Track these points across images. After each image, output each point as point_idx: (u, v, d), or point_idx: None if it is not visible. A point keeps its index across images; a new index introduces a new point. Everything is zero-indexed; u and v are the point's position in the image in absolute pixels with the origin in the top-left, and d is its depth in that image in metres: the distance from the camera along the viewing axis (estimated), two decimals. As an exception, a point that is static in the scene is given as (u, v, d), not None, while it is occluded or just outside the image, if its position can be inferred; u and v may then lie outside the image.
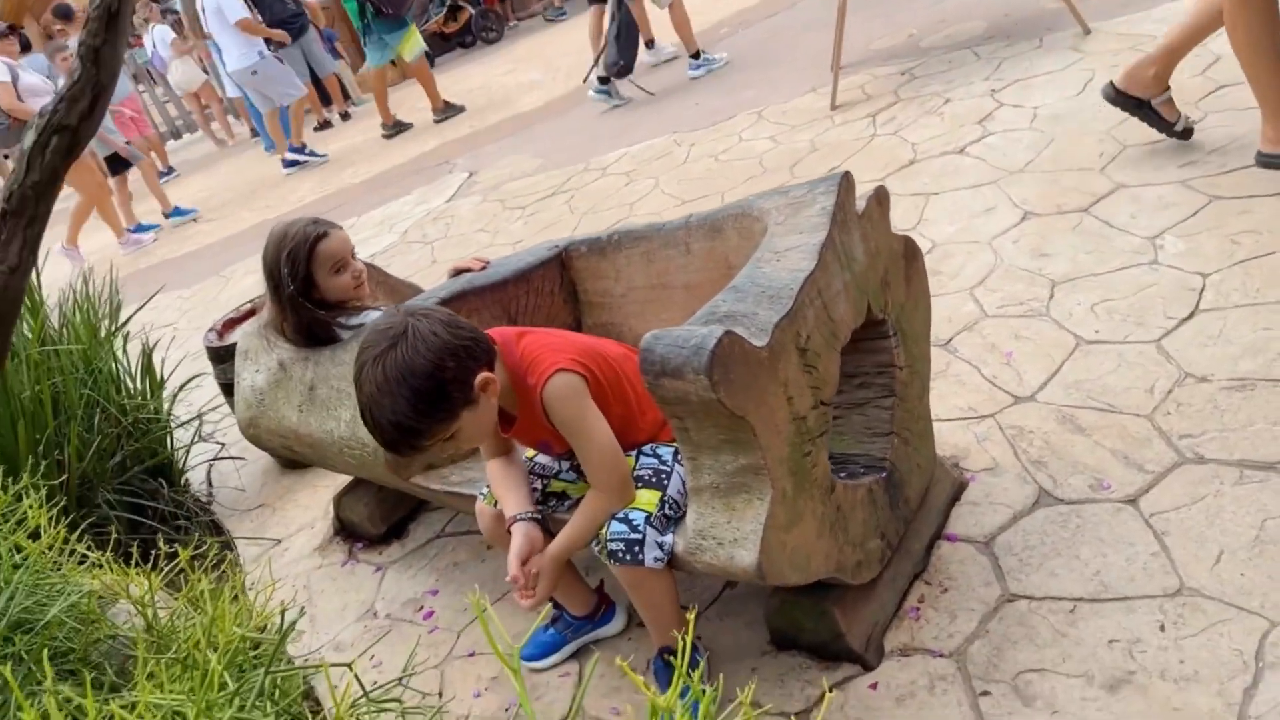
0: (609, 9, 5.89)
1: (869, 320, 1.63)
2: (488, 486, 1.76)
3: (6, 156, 8.48)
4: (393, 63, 10.24)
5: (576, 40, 9.44)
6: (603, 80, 6.07)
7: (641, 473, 1.59)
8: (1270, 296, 2.13)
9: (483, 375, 1.45)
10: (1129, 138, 3.09)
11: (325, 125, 10.34)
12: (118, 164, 7.54)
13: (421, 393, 1.39)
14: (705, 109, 5.34)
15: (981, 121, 3.67)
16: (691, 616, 0.97)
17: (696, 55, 6.17)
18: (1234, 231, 2.42)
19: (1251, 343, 2.03)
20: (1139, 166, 2.90)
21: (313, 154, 8.32)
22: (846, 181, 1.61)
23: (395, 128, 8.15)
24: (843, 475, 1.65)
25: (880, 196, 1.69)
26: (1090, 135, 3.21)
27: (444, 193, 5.73)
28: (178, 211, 7.90)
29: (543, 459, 1.77)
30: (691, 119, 5.26)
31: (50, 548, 1.96)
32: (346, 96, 11.14)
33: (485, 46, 12.20)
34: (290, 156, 8.24)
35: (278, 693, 1.18)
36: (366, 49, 8.00)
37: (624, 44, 5.87)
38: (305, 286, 2.05)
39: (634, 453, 1.64)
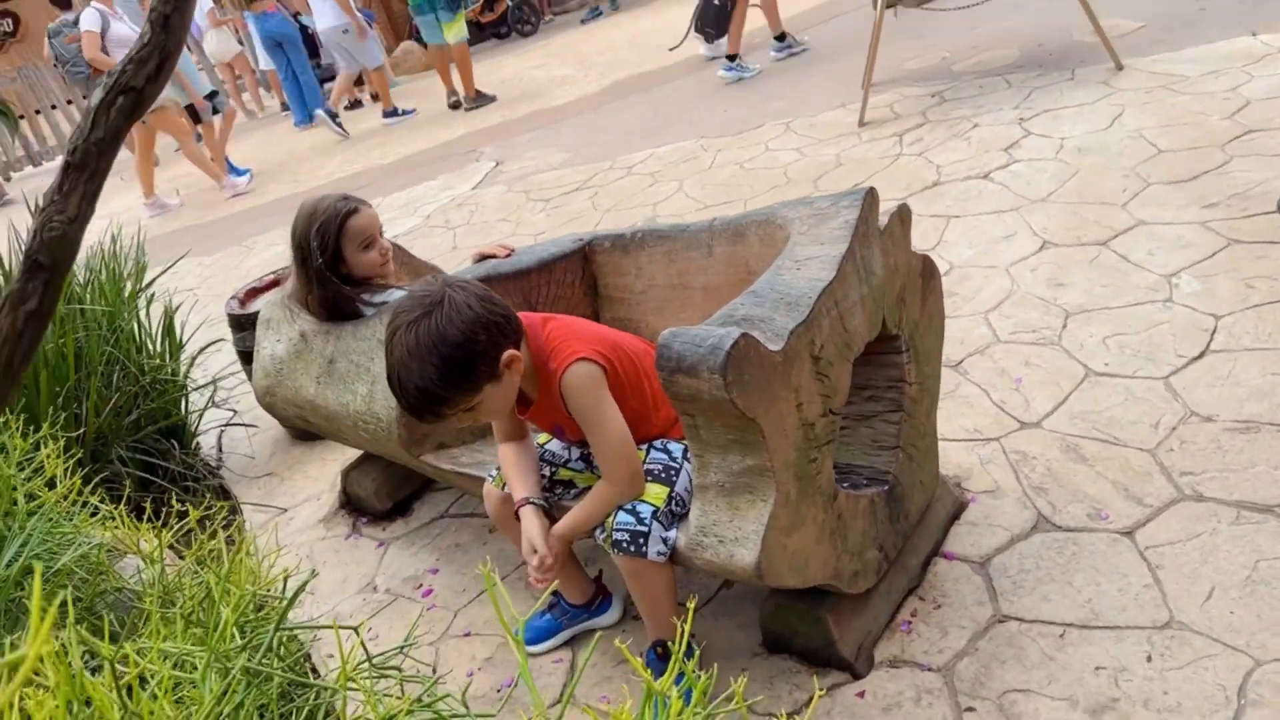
0: None
1: (883, 334, 1.66)
2: (497, 468, 1.80)
3: (85, 97, 8.51)
4: (424, 45, 10.31)
5: (611, 39, 9.49)
6: (730, 57, 6.26)
7: (652, 467, 1.62)
8: (1281, 342, 2.15)
9: (510, 352, 1.49)
10: (1153, 175, 3.11)
11: (356, 104, 10.40)
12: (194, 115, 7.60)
13: (451, 361, 1.42)
14: (733, 117, 5.38)
15: (1008, 149, 3.69)
16: (691, 607, 1.00)
17: (781, 37, 6.50)
18: (1250, 276, 2.44)
19: (1259, 387, 2.05)
20: (1161, 204, 2.92)
21: (405, 112, 8.72)
22: (871, 197, 1.64)
23: (478, 99, 8.20)
24: (846, 485, 1.68)
25: (903, 214, 1.71)
26: (1115, 170, 3.23)
27: (470, 180, 5.78)
28: (234, 170, 7.90)
29: (554, 446, 1.81)
30: (719, 125, 5.29)
31: (64, 498, 2.00)
32: (360, 84, 11.19)
33: (520, 39, 12.26)
34: (388, 122, 8.62)
35: (283, 649, 1.21)
36: (421, 28, 8.09)
37: (714, 11, 6.10)
38: (334, 261, 2.09)
39: (645, 446, 1.68)
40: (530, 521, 1.65)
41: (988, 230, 3.10)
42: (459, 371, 1.44)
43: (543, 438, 1.83)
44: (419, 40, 10.78)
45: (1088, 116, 3.77)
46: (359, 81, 10.56)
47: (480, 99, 8.12)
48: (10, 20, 16.24)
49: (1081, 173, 3.29)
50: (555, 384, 1.57)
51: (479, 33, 12.45)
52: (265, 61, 10.46)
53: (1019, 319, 2.56)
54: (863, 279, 1.59)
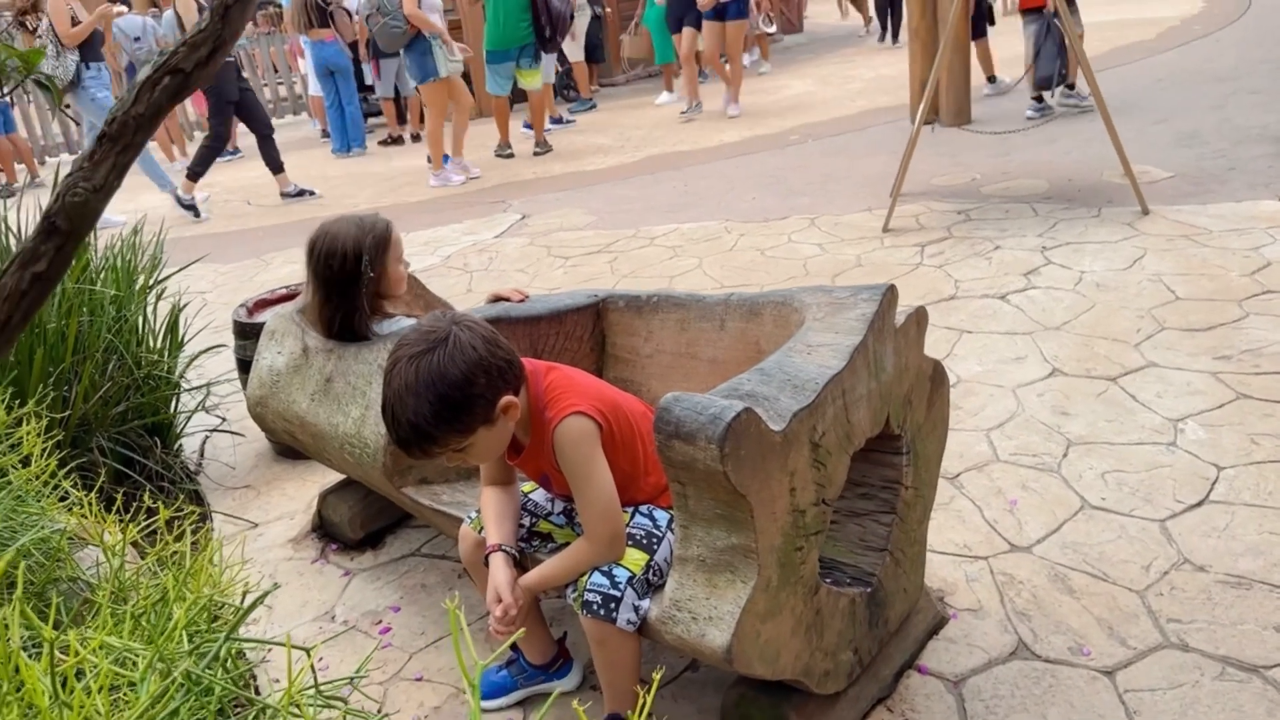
0: (1038, 28, 6.34)
1: (885, 432, 1.64)
2: (477, 511, 1.76)
3: (382, 57, 8.39)
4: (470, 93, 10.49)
5: (652, 116, 9.70)
6: (1037, 99, 6.67)
7: (634, 531, 1.59)
8: (1282, 502, 2.12)
9: (507, 398, 1.47)
10: (1168, 320, 3.12)
11: (395, 141, 10.55)
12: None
13: (447, 401, 1.41)
14: (760, 205, 5.45)
15: (1027, 274, 3.73)
16: (656, 679, 0.96)
17: (991, 79, 7.85)
18: (1256, 432, 2.42)
19: (1255, 543, 2.02)
20: (1174, 349, 2.93)
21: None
22: (891, 294, 1.64)
23: (543, 145, 8.29)
24: (829, 581, 1.64)
25: (920, 316, 1.71)
26: (1131, 310, 3.25)
27: (494, 228, 5.84)
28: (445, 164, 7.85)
29: (537, 496, 1.78)
30: (746, 211, 5.36)
31: (36, 477, 1.97)
32: (403, 122, 11.40)
33: (562, 103, 12.53)
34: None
35: (230, 664, 1.16)
36: (492, 76, 8.00)
37: (1050, 58, 6.39)
38: (378, 272, 2.10)
39: (630, 510, 1.64)
40: (499, 569, 1.61)
41: (999, 350, 3.10)
42: (454, 411, 1.42)
43: (528, 486, 1.80)
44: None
45: (1109, 254, 3.82)
46: (401, 119, 10.73)
47: (545, 146, 8.31)
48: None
49: (1098, 307, 3.31)
50: (549, 434, 1.55)
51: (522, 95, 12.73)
52: (314, 87, 10.67)
53: (1020, 441, 2.54)
54: (873, 373, 1.58)
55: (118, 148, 0.81)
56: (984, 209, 4.73)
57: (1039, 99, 6.65)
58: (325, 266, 2.06)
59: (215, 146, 7.48)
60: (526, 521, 1.73)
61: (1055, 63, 6.31)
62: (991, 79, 7.93)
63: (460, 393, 1.42)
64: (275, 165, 7.64)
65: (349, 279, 2.06)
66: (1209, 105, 6.50)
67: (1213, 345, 2.92)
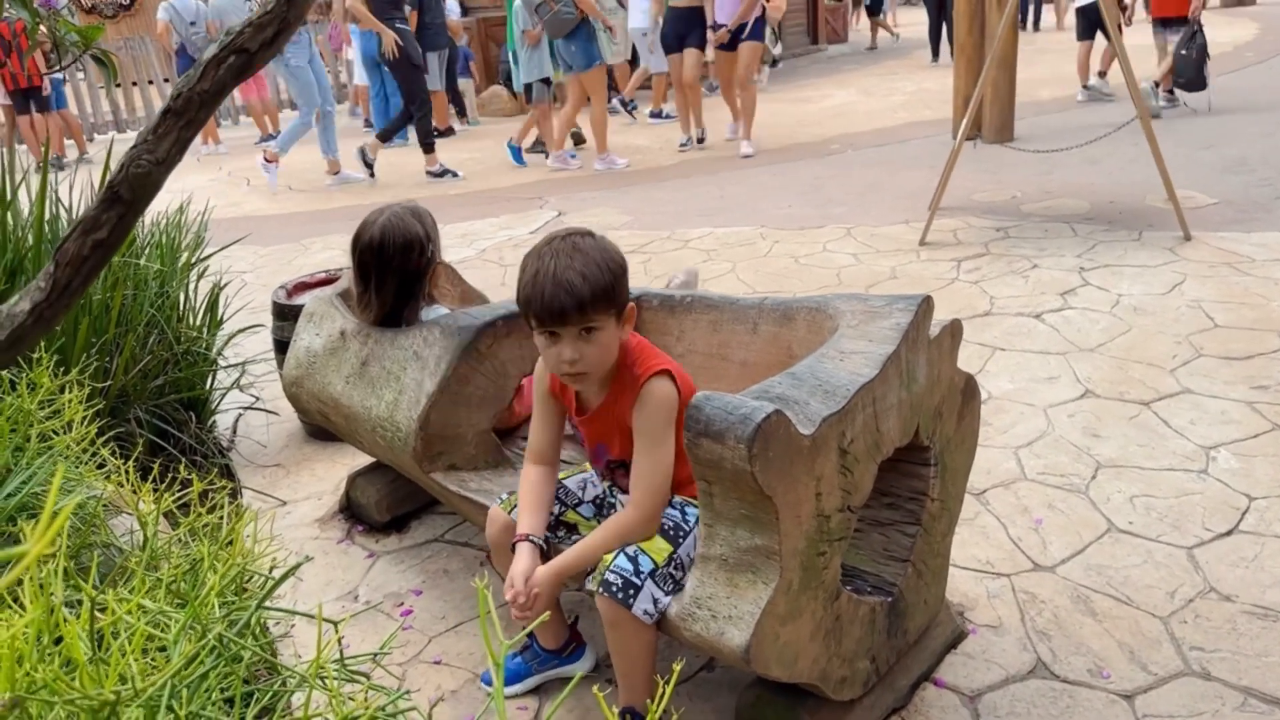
0: (1183, 35, 7.07)
1: (914, 443, 1.64)
2: (508, 493, 1.79)
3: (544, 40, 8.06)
4: (514, 94, 10.54)
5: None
6: (1169, 93, 7.42)
7: (664, 521, 1.60)
8: (1314, 536, 2.09)
9: (631, 305, 1.59)
10: (1206, 347, 3.09)
11: (445, 133, 10.58)
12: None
13: (607, 270, 1.52)
14: (796, 213, 5.45)
15: (1064, 294, 3.70)
16: (674, 672, 0.97)
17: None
18: (1291, 464, 2.39)
19: (1285, 576, 1.99)
20: (1210, 377, 2.89)
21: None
22: (927, 304, 1.64)
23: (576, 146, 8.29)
24: (850, 589, 1.64)
25: (955, 329, 1.71)
26: (1168, 335, 3.22)
27: (529, 224, 5.88)
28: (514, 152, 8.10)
29: (571, 483, 1.79)
30: (781, 218, 5.36)
31: (76, 444, 2.02)
32: (463, 114, 11.50)
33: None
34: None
35: (258, 630, 1.19)
36: (520, 69, 8.00)
37: (1195, 63, 7.06)
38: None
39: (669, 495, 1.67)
40: (523, 558, 1.63)
41: (1032, 368, 3.08)
42: (612, 282, 1.52)
43: (563, 472, 1.82)
44: (508, 86, 11.05)
45: (1148, 278, 3.77)
46: (460, 110, 10.79)
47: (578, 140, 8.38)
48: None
49: (1134, 331, 3.28)
50: (634, 389, 1.58)
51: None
52: (360, 77, 10.78)
53: (1049, 460, 2.52)
54: (904, 383, 1.58)
55: (181, 122, 0.84)
56: (1023, 227, 4.69)
57: (1171, 93, 7.45)
58: (403, 257, 2.10)
59: (426, 112, 7.77)
60: (555, 509, 1.75)
61: (1197, 69, 7.02)
62: (1086, 86, 8.34)
63: (614, 271, 1.54)
64: (428, 145, 7.83)
65: (423, 268, 2.14)
66: (1258, 132, 6.41)
67: (1250, 374, 2.88)
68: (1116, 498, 2.33)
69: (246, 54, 0.85)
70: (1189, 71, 7.02)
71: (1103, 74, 8.31)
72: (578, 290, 1.49)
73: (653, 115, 9.88)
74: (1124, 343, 3.20)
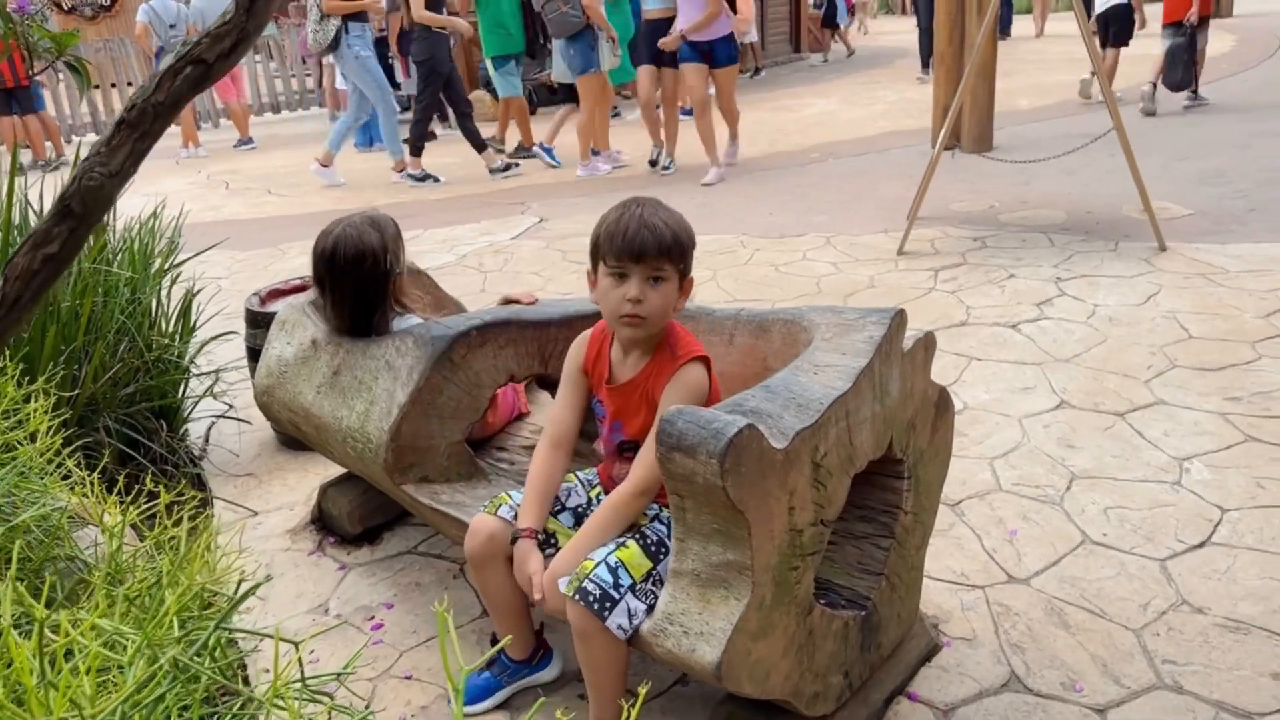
0: (1176, 38, 7.60)
1: (888, 456, 1.64)
2: (490, 500, 1.77)
3: (549, 41, 8.10)
4: (495, 99, 10.51)
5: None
6: (1194, 93, 7.95)
7: (648, 534, 1.60)
8: (1285, 548, 2.10)
9: (691, 278, 1.68)
10: (1180, 358, 3.11)
11: (430, 136, 10.51)
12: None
13: (685, 232, 1.64)
14: (777, 221, 5.45)
15: (1040, 304, 3.71)
16: (642, 694, 0.95)
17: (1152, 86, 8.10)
18: (1262, 475, 2.41)
19: (1256, 588, 2.00)
20: (1184, 388, 2.91)
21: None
22: (899, 318, 1.64)
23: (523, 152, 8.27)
24: (823, 602, 1.63)
25: (928, 342, 1.71)
26: (1142, 346, 3.24)
27: (510, 230, 5.86)
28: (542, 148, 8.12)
29: (564, 486, 1.80)
30: (762, 226, 5.36)
31: (41, 454, 1.98)
32: (444, 119, 11.45)
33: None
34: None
35: (219, 652, 1.17)
36: (500, 79, 8.04)
37: (1182, 65, 7.59)
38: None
39: (657, 508, 1.69)
40: (532, 559, 1.65)
41: (1007, 379, 3.09)
42: (686, 240, 1.63)
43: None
44: (490, 91, 11.03)
45: (1124, 289, 3.80)
46: (442, 116, 10.73)
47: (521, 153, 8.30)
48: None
49: (1109, 341, 3.30)
50: (671, 366, 1.63)
51: (550, 95, 12.78)
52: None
53: (1024, 471, 2.53)
54: (877, 396, 1.58)
55: (136, 134, 0.82)
56: (1000, 237, 4.72)
57: (1195, 92, 7.98)
58: (355, 268, 2.06)
59: (427, 117, 7.77)
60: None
61: (1182, 70, 7.60)
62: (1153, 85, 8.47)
63: (690, 235, 1.65)
64: (478, 144, 7.82)
65: (379, 278, 2.08)
66: (1233, 144, 6.48)
67: (1223, 386, 2.90)
68: (1091, 509, 2.34)
69: (204, 65, 0.83)
70: (1177, 70, 7.57)
71: (1154, 84, 8.14)
72: (660, 232, 1.58)
73: None
74: (1099, 353, 3.21)
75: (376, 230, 2.07)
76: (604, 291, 1.63)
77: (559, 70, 7.51)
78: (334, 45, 7.31)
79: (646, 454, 1.59)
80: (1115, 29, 8.05)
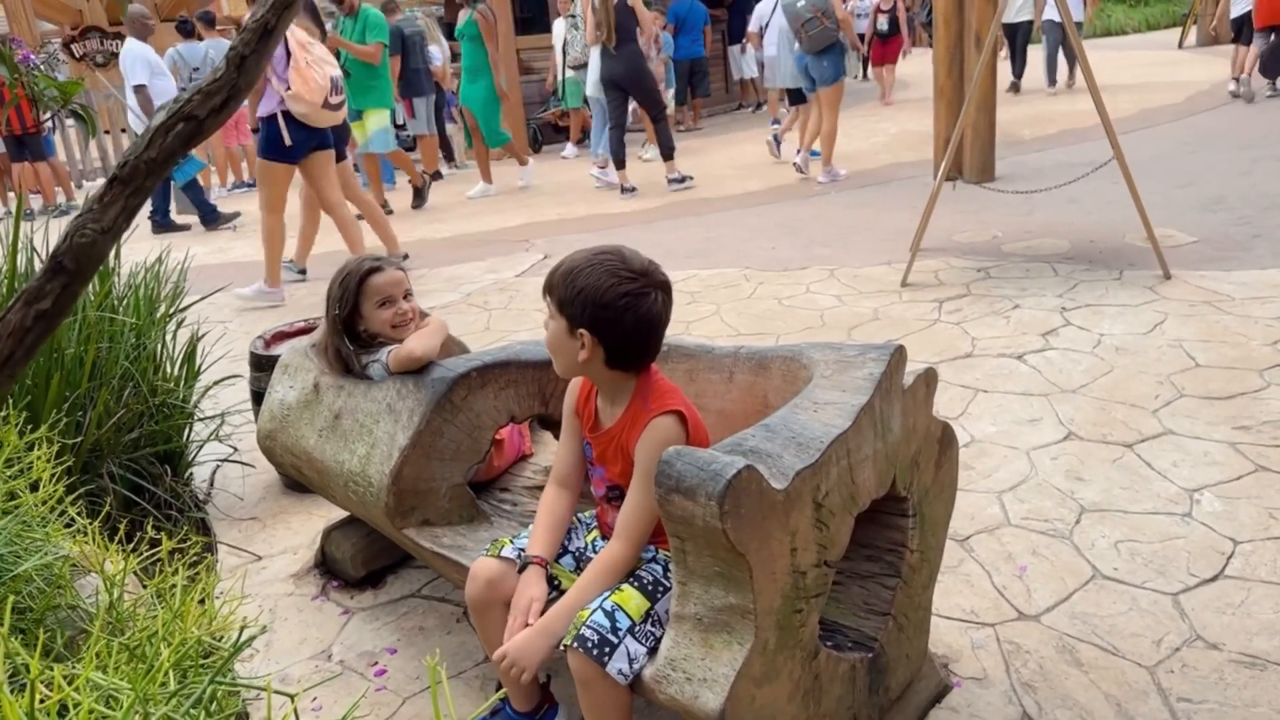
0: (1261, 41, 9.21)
1: (891, 494, 1.62)
2: (492, 543, 1.77)
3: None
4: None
5: (680, 165, 9.78)
6: (1273, 84, 9.59)
7: (643, 575, 1.58)
8: (1300, 580, 2.07)
9: (589, 337, 1.64)
10: (1188, 387, 3.08)
11: (435, 176, 10.57)
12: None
13: (574, 285, 1.63)
14: (780, 255, 5.47)
15: (1046, 334, 3.70)
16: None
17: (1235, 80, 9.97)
18: (1274, 506, 2.38)
19: (1271, 622, 1.96)
20: (1192, 417, 2.88)
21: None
22: (899, 354, 1.63)
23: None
24: (829, 645, 1.61)
25: (929, 378, 1.70)
26: (1150, 375, 3.22)
27: (515, 267, 5.88)
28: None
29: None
30: (765, 260, 5.37)
31: (44, 503, 1.97)
32: (451, 159, 11.57)
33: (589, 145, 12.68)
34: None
35: (215, 706, 1.15)
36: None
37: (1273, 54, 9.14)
38: (351, 313, 2.17)
39: (652, 550, 1.66)
40: (533, 584, 1.64)
41: (1014, 410, 3.07)
42: (570, 293, 1.62)
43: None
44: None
45: (1129, 318, 3.79)
46: (449, 155, 10.95)
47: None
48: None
49: (1116, 371, 3.28)
50: (642, 421, 1.60)
51: (555, 133, 12.92)
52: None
53: (1033, 505, 2.50)
54: (879, 434, 1.56)
55: (128, 191, 0.83)
56: (1004, 267, 4.71)
57: (1275, 84, 9.64)
58: (326, 302, 2.20)
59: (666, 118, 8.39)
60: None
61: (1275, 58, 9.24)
62: (1235, 79, 10.00)
63: (581, 290, 1.61)
64: (667, 151, 8.22)
65: (332, 321, 2.19)
66: (1235, 171, 6.49)
67: (1232, 415, 2.87)
68: (1101, 543, 2.31)
69: (195, 121, 0.84)
70: (1270, 59, 9.34)
71: (1246, 74, 9.90)
72: (553, 275, 1.64)
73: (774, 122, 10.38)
74: (1106, 383, 3.19)
75: (338, 271, 2.19)
76: None
77: (787, 77, 8.11)
78: None
79: (629, 513, 1.59)
80: (1247, 31, 9.88)
